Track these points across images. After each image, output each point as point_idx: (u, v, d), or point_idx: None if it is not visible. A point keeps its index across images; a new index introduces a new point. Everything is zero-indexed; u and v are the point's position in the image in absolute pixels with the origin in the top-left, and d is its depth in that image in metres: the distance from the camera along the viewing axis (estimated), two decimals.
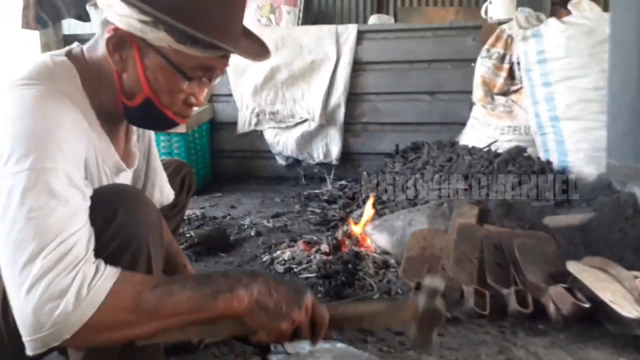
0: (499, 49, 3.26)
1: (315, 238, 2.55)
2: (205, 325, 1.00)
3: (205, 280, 0.99)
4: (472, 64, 3.40)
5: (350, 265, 2.13)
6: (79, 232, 0.90)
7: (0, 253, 0.88)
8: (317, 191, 3.54)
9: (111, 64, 1.06)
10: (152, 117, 1.12)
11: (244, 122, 3.93)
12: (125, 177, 1.27)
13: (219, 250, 2.47)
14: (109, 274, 0.91)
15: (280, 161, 4.01)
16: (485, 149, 2.99)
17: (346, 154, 3.90)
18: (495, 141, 3.09)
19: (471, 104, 3.43)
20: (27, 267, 0.85)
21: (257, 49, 1.20)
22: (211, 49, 1.03)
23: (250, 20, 4.49)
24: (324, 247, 2.33)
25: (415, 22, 5.27)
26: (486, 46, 3.31)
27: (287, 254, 2.34)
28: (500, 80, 3.25)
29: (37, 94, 0.97)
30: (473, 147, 3.06)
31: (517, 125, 3.16)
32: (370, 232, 2.43)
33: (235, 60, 1.15)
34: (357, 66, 3.76)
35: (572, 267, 1.76)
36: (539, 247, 1.95)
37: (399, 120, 3.81)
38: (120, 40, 1.04)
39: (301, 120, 3.83)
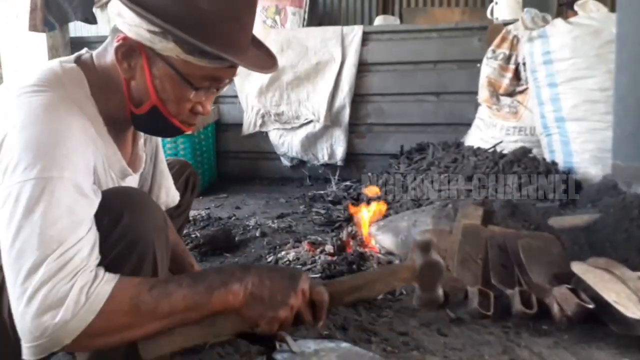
0: (504, 49, 3.25)
1: (319, 239, 2.56)
2: (206, 326, 1.00)
3: (200, 277, 1.00)
4: (478, 65, 3.40)
5: (354, 266, 2.14)
6: (82, 241, 0.91)
7: (4, 259, 0.90)
8: (322, 192, 3.56)
9: (120, 72, 1.07)
10: (159, 124, 1.13)
11: (249, 123, 3.95)
12: (132, 181, 1.28)
13: (224, 251, 2.49)
14: (107, 280, 0.92)
15: (285, 162, 4.02)
16: (491, 150, 2.99)
17: (351, 155, 3.91)
18: (501, 142, 3.09)
19: (476, 105, 3.43)
20: (30, 276, 0.86)
21: (265, 60, 1.20)
22: (219, 59, 1.04)
23: (256, 21, 4.51)
24: (329, 247, 2.34)
25: (421, 22, 5.27)
26: (492, 47, 3.30)
27: (291, 255, 2.35)
28: (505, 81, 3.24)
29: (46, 101, 0.97)
30: (478, 148, 3.06)
31: (523, 126, 3.16)
32: (375, 232, 2.44)
33: None
34: (363, 67, 3.77)
35: (577, 268, 1.76)
36: (543, 248, 1.95)
37: (404, 121, 3.82)
38: (129, 49, 1.04)
39: (306, 121, 3.84)
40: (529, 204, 2.40)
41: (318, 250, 2.36)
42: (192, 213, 2.90)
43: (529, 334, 1.66)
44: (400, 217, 2.48)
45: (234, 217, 3.08)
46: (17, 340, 0.90)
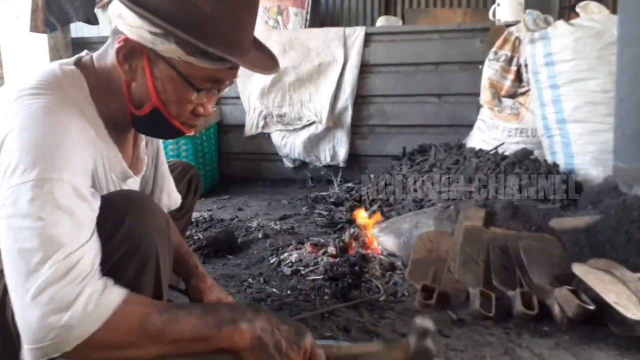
0: (506, 51, 3.26)
1: (322, 240, 2.57)
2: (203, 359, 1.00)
3: (211, 310, 0.99)
4: (480, 66, 3.40)
5: (357, 268, 2.15)
6: (86, 246, 0.91)
7: (5, 262, 0.90)
8: (324, 193, 3.57)
9: (120, 73, 1.07)
10: (160, 126, 1.13)
11: (252, 124, 3.95)
12: (133, 184, 1.28)
13: (227, 253, 2.49)
14: (117, 293, 0.92)
15: (288, 163, 4.03)
16: (492, 152, 2.99)
17: (353, 157, 3.92)
18: (502, 143, 3.09)
19: (478, 106, 3.43)
20: (33, 275, 0.86)
21: (267, 61, 1.20)
22: (221, 60, 1.04)
23: (258, 22, 4.52)
24: (331, 249, 2.35)
25: (423, 23, 5.28)
26: (494, 48, 3.31)
27: (294, 256, 2.36)
28: (507, 83, 3.25)
29: (45, 104, 0.97)
30: (480, 150, 3.07)
31: (524, 128, 3.16)
32: (377, 234, 2.45)
33: None
34: (365, 68, 3.78)
35: (578, 269, 1.76)
36: (544, 249, 1.96)
37: (406, 122, 3.82)
38: (130, 51, 1.04)
39: (308, 122, 3.85)
40: (530, 206, 2.41)
41: (320, 251, 2.37)
42: (194, 215, 2.91)
43: (530, 335, 1.67)
44: (402, 219, 2.48)
45: (236, 219, 3.08)
46: (20, 345, 0.90)
